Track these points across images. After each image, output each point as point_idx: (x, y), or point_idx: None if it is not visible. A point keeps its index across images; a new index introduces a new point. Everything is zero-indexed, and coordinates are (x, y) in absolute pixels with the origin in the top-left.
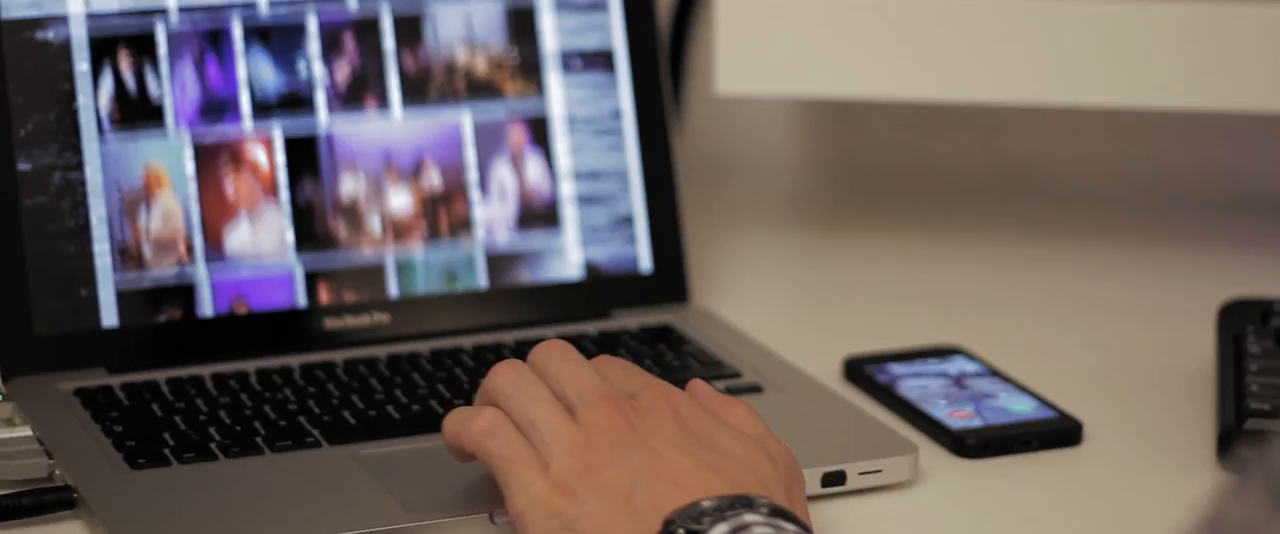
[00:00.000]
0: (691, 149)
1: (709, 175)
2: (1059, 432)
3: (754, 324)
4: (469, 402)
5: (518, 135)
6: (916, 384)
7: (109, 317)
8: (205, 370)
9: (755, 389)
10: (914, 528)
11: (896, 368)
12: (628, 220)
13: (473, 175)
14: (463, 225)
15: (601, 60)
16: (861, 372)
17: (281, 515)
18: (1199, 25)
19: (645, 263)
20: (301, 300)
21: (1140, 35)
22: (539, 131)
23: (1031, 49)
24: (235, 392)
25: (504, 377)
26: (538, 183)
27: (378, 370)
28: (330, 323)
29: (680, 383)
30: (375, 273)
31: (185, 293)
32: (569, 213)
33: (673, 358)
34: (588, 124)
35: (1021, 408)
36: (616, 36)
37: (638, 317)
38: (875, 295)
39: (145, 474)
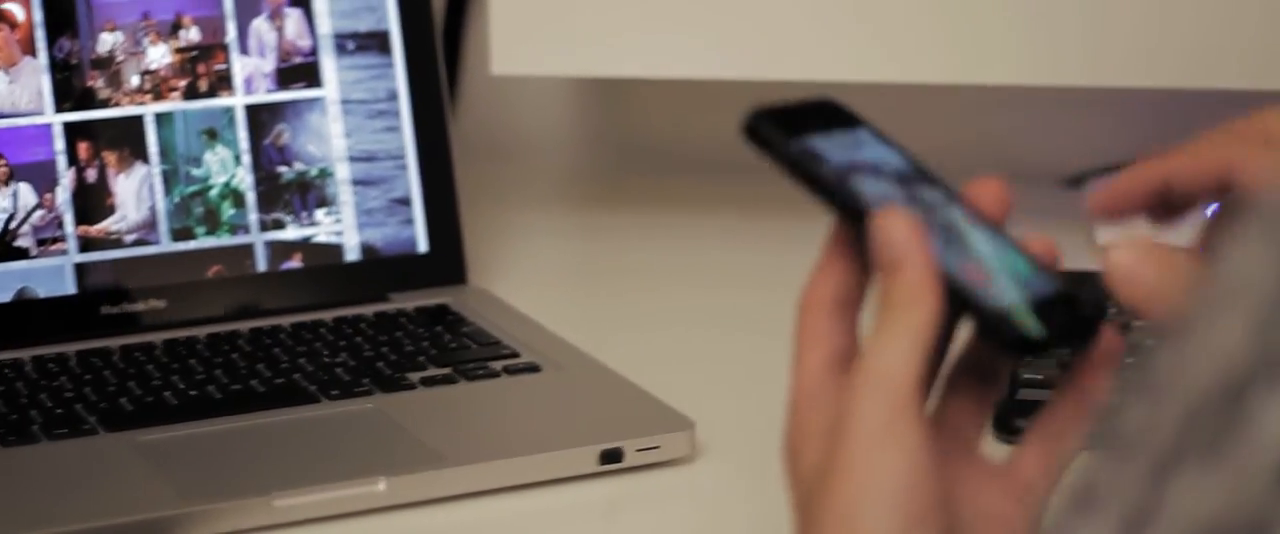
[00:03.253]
0: (468, 130)
1: (486, 156)
2: None
3: (531, 304)
4: (246, 387)
5: None
6: None
7: None
8: None
9: (533, 369)
10: (692, 503)
11: None
12: (404, 202)
13: (231, 31)
14: (222, 81)
15: (376, 42)
16: None
17: (58, 503)
18: (970, 1)
19: (422, 244)
20: (61, 161)
21: (914, 11)
22: None
23: (803, 26)
24: (10, 380)
25: None
26: (296, 36)
27: (154, 356)
28: (106, 309)
29: (458, 363)
30: (135, 126)
31: None
32: (345, 195)
33: (450, 339)
34: (363, 106)
35: None
36: (391, 18)
37: (415, 298)
38: (652, 273)
39: None
